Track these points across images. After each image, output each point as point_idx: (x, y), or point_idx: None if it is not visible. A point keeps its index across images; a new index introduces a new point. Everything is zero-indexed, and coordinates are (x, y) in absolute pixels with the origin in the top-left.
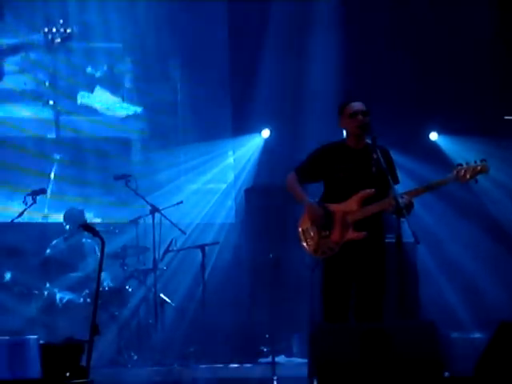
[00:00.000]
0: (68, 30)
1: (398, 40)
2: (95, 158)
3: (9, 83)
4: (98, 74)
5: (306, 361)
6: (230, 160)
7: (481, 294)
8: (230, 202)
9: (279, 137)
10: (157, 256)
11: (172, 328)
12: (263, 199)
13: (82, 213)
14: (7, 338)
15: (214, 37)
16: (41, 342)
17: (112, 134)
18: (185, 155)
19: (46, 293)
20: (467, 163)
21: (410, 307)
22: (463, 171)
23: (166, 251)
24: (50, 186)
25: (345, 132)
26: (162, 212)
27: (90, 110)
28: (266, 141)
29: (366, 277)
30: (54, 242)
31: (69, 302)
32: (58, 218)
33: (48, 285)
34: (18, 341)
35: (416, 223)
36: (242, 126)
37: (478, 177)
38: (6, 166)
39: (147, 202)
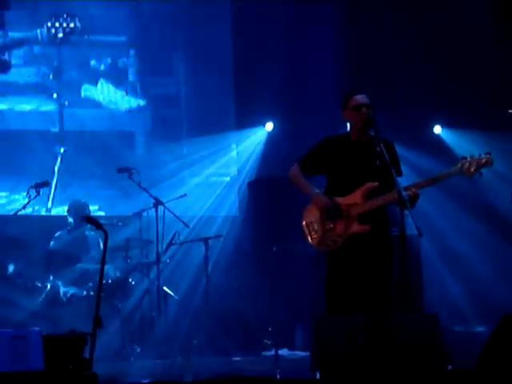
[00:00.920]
0: (71, 25)
1: (401, 34)
2: (99, 151)
3: (13, 76)
4: (101, 68)
5: (308, 354)
6: (234, 153)
7: (484, 287)
8: (233, 195)
9: (282, 130)
10: (160, 249)
11: (175, 321)
12: (266, 192)
13: (85, 205)
14: (10, 330)
15: (217, 30)
16: (44, 334)
17: (115, 127)
18: (188, 148)
19: (49, 285)
20: (472, 156)
21: (414, 300)
22: (468, 164)
23: (170, 244)
24: (54, 179)
25: (348, 125)
26: (166, 205)
27: (93, 103)
28: (270, 134)
29: (370, 270)
30: (58, 234)
31: (72, 294)
32: (62, 210)
33: (51, 277)
34: (21, 333)
35: (420, 216)
36: (245, 120)
37: (483, 170)
38: (9, 158)
39: (151, 194)
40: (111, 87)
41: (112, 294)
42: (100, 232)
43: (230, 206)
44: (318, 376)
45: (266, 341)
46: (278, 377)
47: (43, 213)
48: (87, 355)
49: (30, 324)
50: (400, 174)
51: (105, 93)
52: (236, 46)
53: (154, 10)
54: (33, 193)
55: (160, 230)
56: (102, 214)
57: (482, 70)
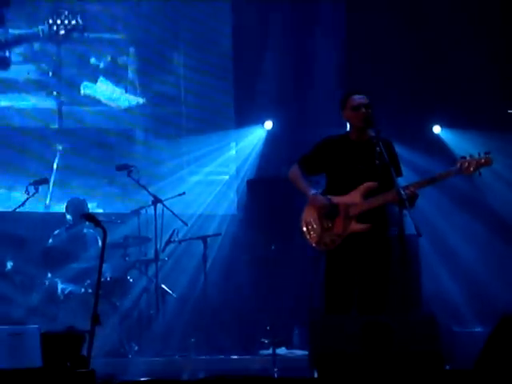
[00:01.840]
0: (73, 22)
1: (401, 33)
2: (98, 149)
3: (12, 73)
4: (101, 65)
5: (306, 353)
6: (233, 151)
7: (483, 287)
8: (232, 194)
9: (282, 128)
10: (158, 247)
11: (173, 319)
12: (265, 191)
13: (84, 203)
14: (8, 327)
15: (217, 28)
16: (42, 331)
17: (115, 124)
18: (187, 146)
19: (47, 283)
20: (471, 156)
21: (412, 300)
22: (467, 164)
23: (168, 242)
24: (53, 176)
25: (348, 125)
26: (164, 203)
27: (93, 101)
28: (269, 132)
29: (368, 270)
30: (56, 231)
31: (70, 292)
32: (60, 208)
33: (49, 275)
34: (19, 330)
35: (418, 216)
36: (244, 118)
37: (482, 170)
38: (8, 155)
39: (149, 192)
40: (111, 85)
41: (110, 292)
42: (98, 229)
43: (229, 204)
44: (315, 375)
45: (263, 339)
46: (276, 376)
47: (42, 210)
48: (85, 352)
49: (28, 321)
50: (400, 173)
51: (104, 90)
52: (236, 44)
53: (153, 7)
54: (31, 190)
55: (158, 227)
56: (100, 211)
57: (482, 70)
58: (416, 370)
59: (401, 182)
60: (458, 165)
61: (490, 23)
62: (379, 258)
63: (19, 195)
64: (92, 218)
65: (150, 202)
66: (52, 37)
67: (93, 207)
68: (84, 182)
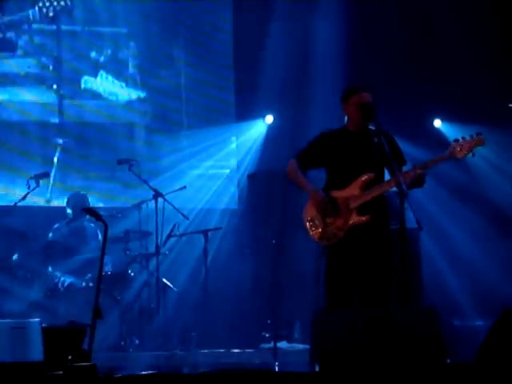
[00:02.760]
0: (61, 3)
1: (401, 27)
2: (98, 143)
3: (12, 67)
4: (101, 59)
5: (307, 347)
6: (234, 146)
7: (483, 281)
8: (232, 188)
9: (283, 123)
10: (159, 241)
11: (174, 313)
12: (266, 185)
13: (85, 197)
14: (10, 320)
15: (218, 22)
16: (43, 325)
17: (115, 118)
18: (188, 140)
19: (48, 276)
20: (463, 137)
21: (413, 294)
22: (459, 147)
23: (169, 236)
24: (53, 170)
25: (346, 118)
26: (165, 197)
27: (93, 95)
28: (270, 127)
29: (369, 263)
30: (56, 225)
31: (71, 285)
32: (61, 202)
33: (50, 269)
34: (21, 324)
35: (419, 210)
36: (245, 112)
37: (480, 160)
38: (8, 149)
39: (150, 186)
40: (111, 79)
41: (111, 286)
42: (99, 224)
43: (230, 198)
44: (317, 369)
45: (264, 333)
46: (277, 369)
47: (42, 204)
48: (86, 346)
49: (29, 315)
50: (404, 162)
51: (105, 84)
52: (237, 38)
53: (154, 1)
54: (32, 184)
55: (159, 221)
56: (101, 205)
57: (483, 64)
58: (418, 363)
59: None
60: (451, 148)
61: (491, 17)
62: (380, 252)
63: (20, 189)
64: (93, 212)
65: (151, 196)
66: (43, 19)
67: (94, 201)
68: (85, 176)
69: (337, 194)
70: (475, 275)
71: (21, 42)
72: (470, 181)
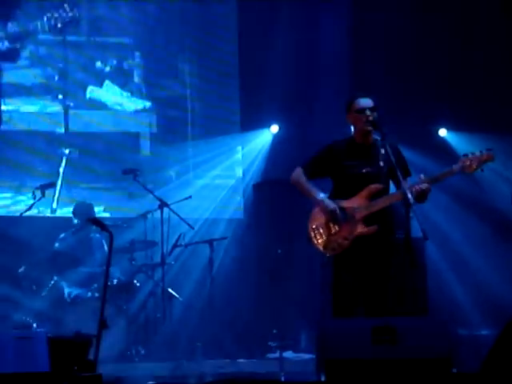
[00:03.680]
0: (70, 15)
1: (407, 36)
2: (104, 153)
3: (18, 77)
4: (107, 69)
5: (313, 356)
6: (239, 155)
7: (489, 290)
8: (238, 198)
9: (288, 132)
10: (165, 251)
11: (180, 323)
12: (272, 194)
13: (90, 207)
14: (15, 331)
15: (223, 32)
16: (49, 335)
17: (121, 128)
18: (193, 150)
19: (54, 287)
20: (473, 153)
21: (419, 303)
22: (469, 161)
23: (174, 246)
24: (59, 180)
25: (352, 128)
26: (171, 207)
27: (99, 105)
28: (275, 136)
29: (376, 273)
30: (62, 235)
31: (77, 296)
32: (67, 212)
33: (56, 279)
34: (27, 334)
35: (425, 220)
36: (250, 121)
37: (488, 169)
38: (15, 160)
39: (156, 196)
40: (117, 89)
41: (117, 296)
42: (105, 234)
43: (235, 208)
44: (323, 378)
45: (270, 343)
46: (283, 379)
47: (48, 214)
48: (92, 357)
49: (35, 325)
50: (408, 174)
51: (110, 94)
52: (242, 48)
53: (159, 11)
54: (38, 194)
55: (165, 231)
56: (107, 215)
57: (489, 73)
58: (423, 373)
59: (410, 181)
60: (460, 163)
61: (500, 24)
62: (386, 262)
63: (26, 199)
64: (98, 222)
65: (157, 206)
66: (51, 30)
67: (99, 211)
68: (90, 186)
69: (343, 203)
70: (481, 284)
71: (26, 53)
72: (475, 190)
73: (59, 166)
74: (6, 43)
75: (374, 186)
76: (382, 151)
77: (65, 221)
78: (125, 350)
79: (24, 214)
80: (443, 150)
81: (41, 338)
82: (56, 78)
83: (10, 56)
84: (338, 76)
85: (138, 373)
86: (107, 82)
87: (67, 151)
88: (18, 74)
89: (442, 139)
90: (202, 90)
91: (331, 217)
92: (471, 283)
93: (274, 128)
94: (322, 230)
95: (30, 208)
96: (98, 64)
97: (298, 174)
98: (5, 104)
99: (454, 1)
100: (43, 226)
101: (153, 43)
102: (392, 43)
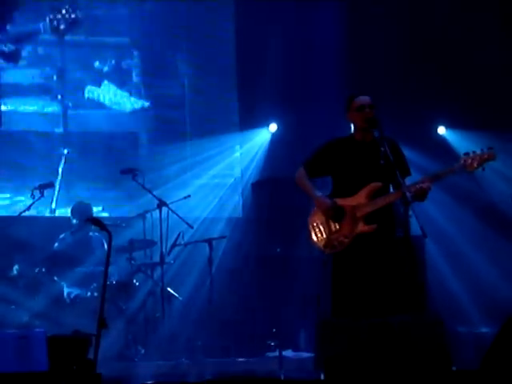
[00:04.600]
0: (73, 16)
1: (405, 33)
2: (102, 153)
3: (17, 77)
4: (105, 69)
5: (313, 355)
6: (237, 154)
7: (488, 288)
8: (237, 197)
9: (286, 131)
10: (164, 250)
11: (179, 322)
12: (270, 193)
13: (89, 207)
14: (15, 331)
15: (221, 31)
16: (48, 335)
17: (119, 128)
18: (192, 149)
19: (53, 287)
20: (474, 152)
21: (418, 301)
22: (470, 160)
23: (173, 245)
24: (58, 180)
25: (352, 126)
26: (170, 206)
27: (97, 105)
28: (273, 135)
29: (376, 271)
30: (62, 235)
31: (76, 295)
32: (66, 212)
33: (55, 279)
34: (26, 334)
35: (424, 217)
36: (249, 121)
37: (486, 167)
38: (13, 160)
39: (154, 195)
40: (115, 88)
41: (116, 295)
42: (104, 233)
43: (234, 207)
44: (322, 377)
45: (270, 342)
46: (282, 378)
47: (47, 214)
48: (91, 356)
49: (34, 325)
50: (408, 172)
51: (108, 94)
52: (239, 46)
53: (157, 11)
54: (37, 194)
55: (164, 230)
56: (105, 215)
57: (487, 71)
58: (423, 371)
59: (409, 180)
60: (462, 161)
61: (497, 23)
62: (386, 261)
63: (24, 200)
64: (97, 221)
65: (155, 206)
66: (54, 32)
67: (98, 211)
68: (89, 185)
69: (343, 201)
70: (480, 282)
71: (25, 53)
72: (474, 187)
73: (58, 165)
74: (8, 45)
75: (374, 185)
76: (382, 149)
77: (64, 220)
78: (124, 349)
79: (23, 214)
80: (442, 148)
81: (40, 338)
82: (54, 77)
83: (12, 58)
84: (336, 75)
85: (138, 372)
86: (105, 81)
87: (66, 151)
88: (17, 74)
89: (441, 137)
90: (200, 89)
91: (328, 214)
92: (471, 281)
93: (273, 127)
94: (322, 228)
95: (29, 208)
96: (97, 64)
97: (300, 173)
98: (4, 104)
99: None
100: (42, 225)
101: (151, 43)
102: (391, 41)
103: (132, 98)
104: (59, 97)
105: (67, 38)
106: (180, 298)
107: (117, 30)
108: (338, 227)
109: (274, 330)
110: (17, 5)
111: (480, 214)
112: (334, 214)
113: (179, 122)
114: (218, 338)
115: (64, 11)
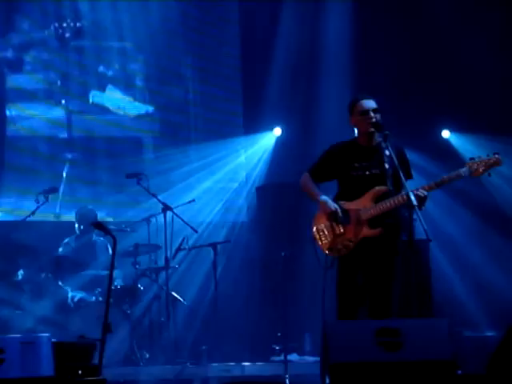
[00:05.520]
0: (78, 25)
1: (410, 37)
2: (107, 157)
3: (21, 82)
4: (109, 74)
5: (318, 359)
6: (242, 158)
7: (494, 291)
8: (241, 201)
9: (291, 135)
10: (169, 254)
11: (184, 326)
12: (275, 197)
13: (93, 211)
14: (20, 335)
15: (225, 35)
16: (53, 340)
17: (124, 133)
18: (196, 154)
19: (57, 291)
20: (479, 157)
21: (423, 305)
22: (476, 165)
23: (178, 249)
24: (62, 185)
25: (356, 130)
26: (174, 210)
27: (101, 110)
28: (278, 139)
29: (380, 275)
30: (66, 240)
31: (81, 300)
32: (70, 217)
33: (60, 283)
34: (31, 339)
35: (429, 221)
36: (253, 125)
37: (492, 172)
38: (18, 165)
39: (159, 200)
40: (119, 93)
41: (121, 300)
42: (108, 238)
43: (239, 211)
44: (327, 381)
45: (275, 346)
46: (287, 382)
47: (52, 219)
48: (96, 361)
49: (40, 330)
50: (410, 176)
51: (113, 99)
52: (244, 51)
53: (162, 16)
54: (41, 199)
55: (168, 235)
56: (110, 219)
57: (492, 74)
58: (428, 375)
59: (410, 185)
60: (467, 166)
61: (502, 26)
62: (391, 264)
63: (29, 205)
64: (102, 226)
65: (160, 210)
66: (59, 40)
67: (102, 216)
68: (93, 190)
69: (348, 205)
70: (486, 286)
71: (29, 58)
72: (480, 191)
73: (62, 170)
74: (12, 52)
75: (378, 189)
76: (387, 153)
77: (69, 225)
78: (129, 354)
79: (28, 219)
80: (446, 152)
81: (45, 343)
82: (59, 82)
83: (16, 65)
84: (340, 78)
85: (143, 377)
86: (110, 86)
87: (70, 156)
88: (22, 78)
89: (445, 140)
90: (204, 93)
91: (332, 218)
92: (477, 285)
93: (277, 131)
94: (326, 232)
95: (33, 213)
96: (101, 68)
97: (305, 178)
98: (8, 109)
99: (455, 1)
100: (47, 230)
101: (155, 47)
102: (394, 45)
103: (136, 103)
104: (63, 102)
105: (71, 42)
106: (185, 303)
107: (121, 35)
108: (342, 231)
109: (279, 334)
110: (22, 12)
111: (487, 218)
112: (338, 217)
113: (184, 126)
114: (222, 343)
115: (69, 20)
